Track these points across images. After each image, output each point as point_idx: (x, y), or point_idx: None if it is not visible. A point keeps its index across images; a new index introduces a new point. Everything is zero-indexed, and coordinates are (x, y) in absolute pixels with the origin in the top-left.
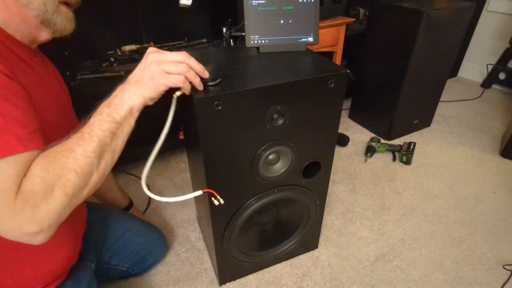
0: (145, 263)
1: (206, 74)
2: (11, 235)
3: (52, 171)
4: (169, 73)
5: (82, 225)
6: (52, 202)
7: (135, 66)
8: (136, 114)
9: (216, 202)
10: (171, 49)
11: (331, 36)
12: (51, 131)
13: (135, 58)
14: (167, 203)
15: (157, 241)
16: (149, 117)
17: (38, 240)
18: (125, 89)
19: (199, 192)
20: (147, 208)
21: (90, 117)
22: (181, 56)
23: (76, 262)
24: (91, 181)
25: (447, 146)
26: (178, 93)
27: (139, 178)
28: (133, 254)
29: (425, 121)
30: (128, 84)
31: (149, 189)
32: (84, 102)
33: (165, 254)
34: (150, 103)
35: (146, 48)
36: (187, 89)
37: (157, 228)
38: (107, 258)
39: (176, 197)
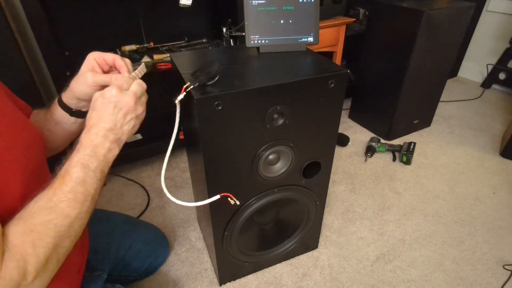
0: (151, 269)
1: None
2: None
3: (46, 247)
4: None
5: (76, 261)
6: (46, 275)
7: (135, 66)
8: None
9: (232, 202)
10: (171, 49)
11: (331, 36)
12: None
13: (135, 58)
14: (167, 203)
15: (162, 246)
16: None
17: None
18: (112, 140)
19: (217, 197)
20: (146, 208)
21: (69, 164)
22: (135, 85)
23: (87, 272)
24: (78, 237)
25: (447, 146)
26: (179, 97)
27: (135, 182)
28: (142, 263)
29: (425, 121)
30: (112, 134)
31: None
32: None
33: (168, 256)
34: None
35: (146, 48)
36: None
37: (160, 230)
38: (118, 271)
39: (196, 202)
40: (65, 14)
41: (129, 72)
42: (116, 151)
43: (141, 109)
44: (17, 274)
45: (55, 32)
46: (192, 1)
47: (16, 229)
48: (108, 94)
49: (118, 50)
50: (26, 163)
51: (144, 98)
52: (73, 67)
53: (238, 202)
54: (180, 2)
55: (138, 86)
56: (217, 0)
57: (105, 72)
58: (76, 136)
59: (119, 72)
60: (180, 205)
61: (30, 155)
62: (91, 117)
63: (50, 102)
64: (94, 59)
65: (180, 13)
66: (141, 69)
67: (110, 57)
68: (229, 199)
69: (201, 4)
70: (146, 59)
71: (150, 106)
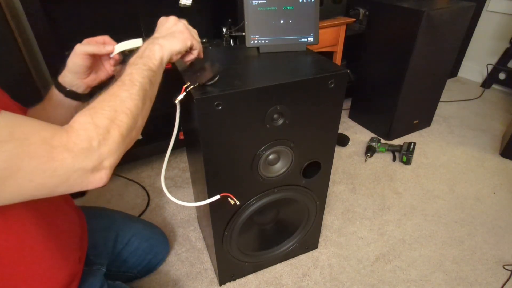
0: (150, 266)
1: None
2: (81, 184)
3: (102, 116)
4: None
5: (77, 247)
6: (111, 143)
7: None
8: (164, 66)
9: (232, 202)
10: None
11: (331, 36)
12: None
13: None
14: (167, 203)
15: (161, 244)
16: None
17: (103, 181)
18: (154, 43)
19: (217, 197)
20: (146, 208)
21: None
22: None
23: (86, 267)
24: (138, 124)
25: (447, 146)
26: (179, 98)
27: (135, 182)
28: (140, 259)
29: (425, 121)
30: (156, 39)
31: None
32: None
33: (168, 254)
34: (175, 58)
35: None
36: (199, 53)
37: (159, 228)
38: (117, 266)
39: (196, 202)
40: (65, 14)
41: None
42: (156, 49)
43: (187, 32)
44: (81, 141)
45: (55, 32)
46: (192, 1)
47: (81, 113)
48: (168, 20)
49: None
50: None
51: (186, 33)
52: None
53: (238, 202)
54: (180, 2)
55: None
56: (217, 0)
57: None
58: None
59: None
60: (180, 205)
61: None
62: (156, 31)
63: (47, 89)
64: (85, 40)
65: (180, 13)
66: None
67: (99, 38)
68: (229, 199)
69: (201, 4)
70: None
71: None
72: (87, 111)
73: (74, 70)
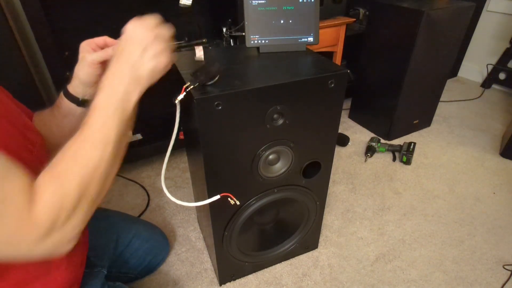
0: (151, 267)
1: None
2: (40, 256)
3: (71, 192)
4: (167, 59)
5: (78, 251)
6: (77, 218)
7: None
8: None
9: (232, 202)
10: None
11: (331, 36)
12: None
13: None
14: (167, 203)
15: (161, 244)
16: (139, 120)
17: (65, 251)
18: (135, 79)
19: (217, 197)
20: (146, 208)
21: (93, 108)
22: (165, 29)
23: (87, 269)
24: (109, 182)
25: (447, 146)
26: (179, 98)
27: (135, 182)
28: (141, 260)
29: (425, 121)
30: (130, 75)
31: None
32: None
33: (168, 255)
34: None
35: None
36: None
37: (159, 229)
38: (118, 267)
39: (196, 203)
40: (65, 14)
41: None
42: (135, 94)
43: (160, 46)
44: (47, 218)
45: (55, 32)
46: (192, 1)
47: (44, 179)
48: (129, 29)
49: None
50: (26, 163)
51: (164, 33)
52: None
53: (238, 202)
54: (180, 2)
55: (160, 27)
56: (217, 0)
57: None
58: None
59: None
60: (180, 205)
61: (31, 155)
62: (112, 64)
63: (55, 98)
64: (86, 45)
65: (180, 13)
66: None
67: (100, 40)
68: (229, 199)
69: (201, 4)
70: None
71: (150, 106)
72: (52, 181)
73: (87, 80)
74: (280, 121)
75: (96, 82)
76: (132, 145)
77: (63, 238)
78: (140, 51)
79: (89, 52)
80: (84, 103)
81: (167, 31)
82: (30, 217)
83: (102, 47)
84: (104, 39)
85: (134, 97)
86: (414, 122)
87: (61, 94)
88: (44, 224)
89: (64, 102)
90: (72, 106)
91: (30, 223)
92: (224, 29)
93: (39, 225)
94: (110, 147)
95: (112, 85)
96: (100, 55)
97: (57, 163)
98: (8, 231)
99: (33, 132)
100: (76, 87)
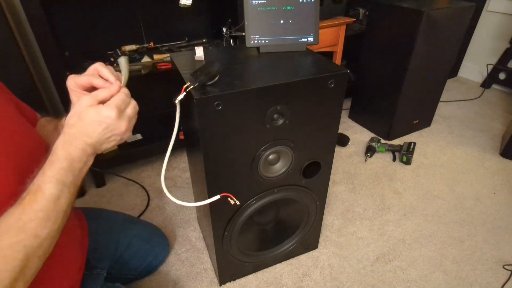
0: (151, 267)
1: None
2: None
3: (13, 269)
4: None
5: (77, 257)
6: None
7: (135, 66)
8: None
9: (232, 202)
10: (171, 49)
11: (331, 36)
12: None
13: (135, 58)
14: (167, 203)
15: (161, 245)
16: (139, 120)
17: None
18: (89, 154)
19: (217, 197)
20: (146, 208)
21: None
22: (131, 103)
23: (87, 271)
24: (44, 258)
25: (447, 146)
26: (179, 98)
27: (135, 182)
28: (141, 261)
29: (425, 121)
30: (88, 146)
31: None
32: None
33: (168, 255)
34: None
35: (146, 48)
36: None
37: (159, 229)
38: (118, 269)
39: (196, 203)
40: (65, 14)
41: (119, 80)
42: (90, 163)
43: (128, 133)
44: None
45: (55, 32)
46: (192, 1)
47: None
48: (106, 113)
49: (118, 50)
50: (22, 170)
51: (134, 121)
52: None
53: (238, 202)
54: (180, 2)
55: (133, 109)
56: (217, 0)
57: (89, 90)
58: None
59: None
60: (180, 205)
61: (30, 163)
62: (74, 125)
63: (55, 98)
64: (71, 86)
65: (180, 13)
66: (125, 70)
67: (84, 79)
68: (229, 199)
69: (201, 4)
70: (146, 59)
71: (150, 106)
72: None
73: None
74: (280, 121)
75: None
76: (132, 145)
77: None
78: (109, 135)
79: (75, 94)
80: None
81: (135, 111)
82: None
83: (88, 88)
84: (95, 68)
85: (86, 170)
86: (414, 122)
87: (62, 121)
88: None
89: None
90: None
91: None
92: (224, 29)
93: None
94: (59, 221)
95: (70, 155)
96: (84, 80)
97: (3, 236)
98: None
99: (32, 140)
100: None
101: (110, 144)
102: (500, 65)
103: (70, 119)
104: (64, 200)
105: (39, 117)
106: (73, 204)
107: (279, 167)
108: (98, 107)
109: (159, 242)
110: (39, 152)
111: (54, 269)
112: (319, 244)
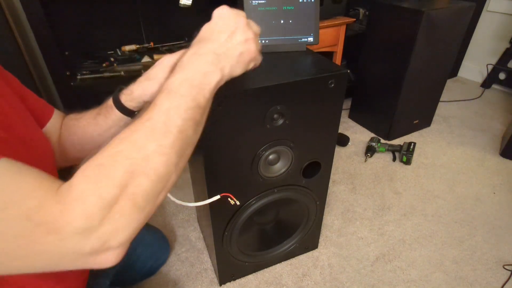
0: (151, 271)
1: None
2: (82, 266)
3: (110, 183)
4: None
5: (78, 274)
6: (118, 219)
7: (135, 66)
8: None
9: (232, 202)
10: (171, 49)
11: (331, 36)
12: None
13: (135, 58)
14: (167, 203)
15: (162, 248)
16: None
17: (111, 263)
18: (215, 65)
19: (217, 197)
20: None
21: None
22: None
23: (91, 279)
24: (168, 184)
25: (447, 146)
26: None
27: None
28: (142, 265)
29: (425, 121)
30: (213, 55)
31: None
32: (84, 102)
33: (168, 257)
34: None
35: (146, 48)
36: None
37: (161, 232)
38: (118, 275)
39: (196, 203)
40: (65, 14)
41: None
42: (215, 77)
43: (251, 33)
44: (76, 219)
45: (55, 32)
46: (192, 1)
47: (83, 166)
48: (235, 14)
49: (118, 50)
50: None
51: (255, 26)
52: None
53: (238, 202)
54: (180, 2)
55: (257, 29)
56: (217, 0)
57: None
58: None
59: None
60: (180, 205)
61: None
62: (200, 36)
63: (55, 98)
64: (171, 64)
65: (180, 13)
66: None
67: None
68: (229, 199)
69: (201, 4)
70: (146, 59)
71: None
72: (91, 170)
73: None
74: (280, 121)
75: None
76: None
77: (102, 241)
78: (229, 32)
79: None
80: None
81: (257, 26)
82: (61, 211)
83: None
84: None
85: (214, 80)
86: (414, 122)
87: (109, 103)
88: (76, 218)
89: (114, 113)
90: (123, 117)
91: (60, 218)
92: None
93: (69, 220)
94: (172, 137)
95: (190, 63)
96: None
97: (104, 149)
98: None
99: (25, 144)
100: (133, 101)
101: (236, 51)
102: (500, 65)
103: (197, 37)
104: (177, 113)
105: (56, 112)
106: (196, 126)
107: (279, 167)
108: (212, 15)
109: (160, 246)
110: (45, 154)
111: (57, 283)
112: (319, 244)
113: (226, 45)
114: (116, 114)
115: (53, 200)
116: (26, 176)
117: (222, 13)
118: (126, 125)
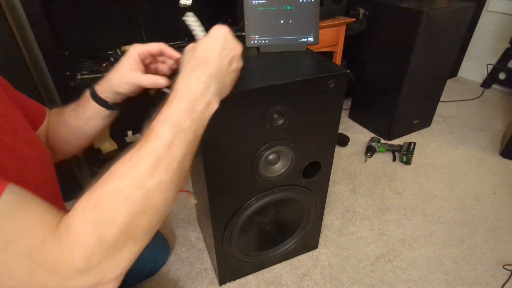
0: (151, 273)
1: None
2: None
3: (111, 225)
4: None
5: None
6: (118, 257)
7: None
8: None
9: (192, 201)
10: None
11: (331, 36)
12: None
13: None
14: None
15: (162, 250)
16: (139, 120)
17: None
18: (214, 92)
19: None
20: None
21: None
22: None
23: None
24: (165, 215)
25: (447, 146)
26: None
27: None
28: (141, 268)
29: (425, 121)
30: (216, 83)
31: None
32: None
33: (168, 258)
34: None
35: None
36: None
37: (160, 233)
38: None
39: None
40: (65, 14)
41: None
42: (215, 107)
43: (241, 63)
44: (75, 260)
45: (55, 32)
46: (192, 1)
47: (80, 204)
48: (219, 30)
49: (118, 50)
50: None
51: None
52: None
53: (195, 201)
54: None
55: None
56: (217, 0)
57: (147, 64)
58: (108, 129)
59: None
60: (180, 205)
61: (27, 175)
62: (191, 56)
63: (55, 98)
64: (138, 54)
65: (180, 13)
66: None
67: (154, 48)
68: (186, 196)
69: (201, 4)
70: None
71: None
72: (90, 211)
73: (122, 92)
74: (280, 121)
75: (128, 95)
76: (126, 145)
77: (100, 276)
78: (229, 58)
79: (137, 67)
80: (113, 107)
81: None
82: (60, 252)
83: (156, 56)
84: (159, 47)
85: (213, 110)
86: (414, 122)
87: (87, 94)
88: (76, 260)
89: (91, 104)
90: (101, 109)
91: (59, 259)
92: None
93: (69, 261)
94: (171, 172)
95: (190, 92)
96: (148, 81)
97: (100, 185)
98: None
99: (30, 147)
100: (105, 92)
101: (230, 78)
102: (500, 65)
103: (186, 55)
104: (179, 147)
105: (48, 111)
106: (192, 159)
107: (279, 167)
108: (210, 33)
109: (160, 248)
110: (42, 158)
111: None
112: (319, 244)
113: (225, 71)
114: (93, 105)
115: (53, 239)
116: (29, 211)
117: (221, 35)
118: (104, 117)
